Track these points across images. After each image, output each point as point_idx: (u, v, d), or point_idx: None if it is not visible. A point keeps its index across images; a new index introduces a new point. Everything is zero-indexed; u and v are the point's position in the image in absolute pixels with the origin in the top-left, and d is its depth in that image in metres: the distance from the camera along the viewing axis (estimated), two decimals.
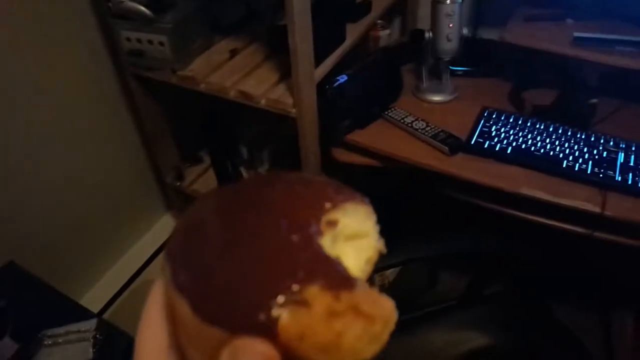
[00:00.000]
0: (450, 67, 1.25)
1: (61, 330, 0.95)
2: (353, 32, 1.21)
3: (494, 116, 1.16)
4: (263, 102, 1.11)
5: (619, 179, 1.00)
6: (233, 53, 1.24)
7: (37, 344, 0.96)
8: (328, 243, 0.21)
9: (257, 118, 1.51)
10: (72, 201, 1.35)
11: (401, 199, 1.52)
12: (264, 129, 1.52)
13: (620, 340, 1.32)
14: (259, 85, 1.14)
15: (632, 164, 1.03)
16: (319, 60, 1.07)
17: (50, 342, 0.95)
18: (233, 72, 1.18)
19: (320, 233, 0.21)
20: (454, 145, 1.08)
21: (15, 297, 1.02)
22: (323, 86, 1.10)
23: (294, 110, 1.09)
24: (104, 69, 1.33)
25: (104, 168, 1.44)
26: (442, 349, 0.98)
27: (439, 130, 1.12)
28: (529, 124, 1.14)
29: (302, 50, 0.97)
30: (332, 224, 0.22)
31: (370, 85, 1.18)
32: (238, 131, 1.51)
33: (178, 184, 1.50)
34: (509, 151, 1.08)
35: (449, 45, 1.16)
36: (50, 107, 1.22)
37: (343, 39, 1.17)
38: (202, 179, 1.54)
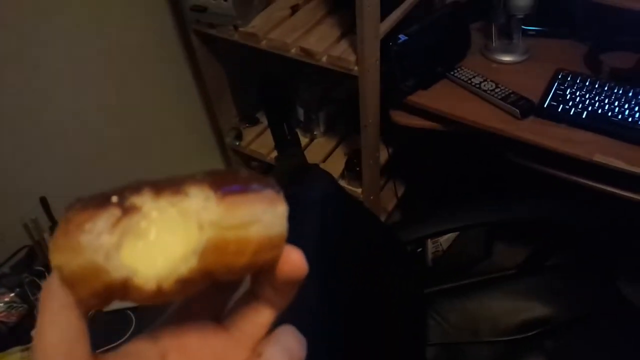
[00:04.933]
0: (523, 27, 1.18)
1: None
2: None
3: (568, 79, 1.09)
4: (324, 59, 1.09)
5: None
6: (294, 9, 1.22)
7: None
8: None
9: (314, 80, 1.50)
10: (133, 158, 1.39)
11: (461, 164, 1.48)
12: (321, 92, 1.51)
13: None
14: (321, 42, 1.11)
15: None
16: (383, 14, 1.03)
17: None
18: (294, 28, 1.16)
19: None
20: (526, 108, 1.03)
21: None
22: (387, 43, 1.06)
23: (356, 68, 1.06)
24: (165, 25, 1.33)
25: (164, 127, 1.46)
26: (499, 316, 0.97)
27: (510, 92, 1.06)
28: (606, 88, 1.06)
29: (369, 1, 0.94)
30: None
31: (436, 42, 1.13)
32: (295, 93, 1.51)
33: (237, 144, 1.52)
34: (584, 116, 1.02)
35: (522, 1, 1.09)
36: (109, 64, 1.23)
37: None
38: (259, 140, 1.55)
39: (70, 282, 0.20)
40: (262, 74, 1.55)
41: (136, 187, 0.21)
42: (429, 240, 1.38)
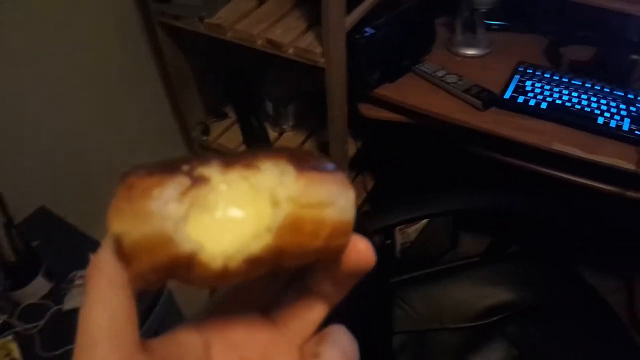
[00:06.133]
0: (486, 21, 1.21)
1: None
2: None
3: (529, 71, 1.12)
4: (291, 51, 1.09)
5: None
6: (261, 1, 1.21)
7: (69, 283, 0.99)
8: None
9: (283, 74, 1.49)
10: (99, 152, 1.36)
11: (428, 157, 1.50)
12: (290, 85, 1.50)
13: None
14: (287, 33, 1.11)
15: None
16: (349, 7, 1.04)
17: (81, 282, 0.98)
18: (261, 20, 1.15)
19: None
20: (487, 99, 1.05)
21: (46, 240, 1.04)
22: (353, 36, 1.07)
23: (322, 60, 1.06)
24: (129, 17, 1.31)
25: (127, 121, 1.43)
26: (464, 302, 0.99)
27: (472, 84, 1.09)
28: (565, 80, 1.10)
29: None
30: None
31: (402, 36, 1.14)
32: (263, 87, 1.50)
33: (204, 138, 1.51)
34: (543, 106, 1.05)
35: None
36: (70, 56, 1.20)
37: None
38: (227, 134, 1.53)
39: (131, 252, 0.18)
40: (229, 68, 1.54)
41: (204, 158, 0.20)
42: (397, 231, 1.40)
